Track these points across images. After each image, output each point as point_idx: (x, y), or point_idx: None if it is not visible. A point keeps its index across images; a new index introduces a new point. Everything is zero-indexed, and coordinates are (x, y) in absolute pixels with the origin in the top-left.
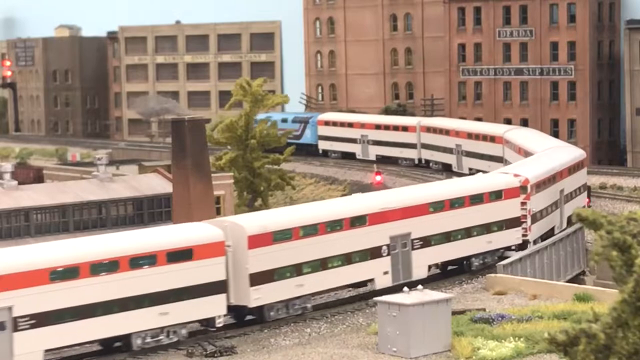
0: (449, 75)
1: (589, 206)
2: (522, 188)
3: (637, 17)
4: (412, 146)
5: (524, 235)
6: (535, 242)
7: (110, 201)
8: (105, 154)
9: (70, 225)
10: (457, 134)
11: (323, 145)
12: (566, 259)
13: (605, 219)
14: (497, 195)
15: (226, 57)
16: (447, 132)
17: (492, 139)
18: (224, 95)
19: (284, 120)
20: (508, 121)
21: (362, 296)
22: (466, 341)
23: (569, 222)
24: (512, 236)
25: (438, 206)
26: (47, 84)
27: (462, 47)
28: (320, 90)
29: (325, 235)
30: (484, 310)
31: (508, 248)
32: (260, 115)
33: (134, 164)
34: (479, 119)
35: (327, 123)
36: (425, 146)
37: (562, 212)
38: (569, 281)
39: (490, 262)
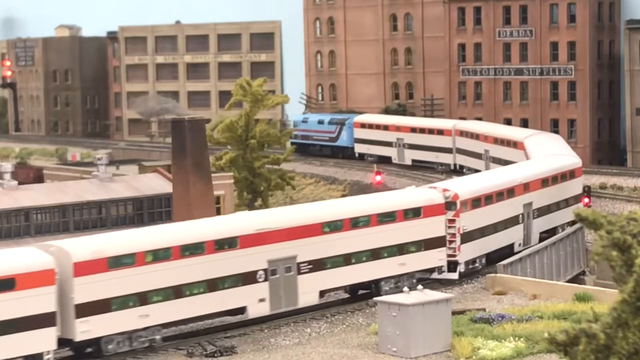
0: (449, 75)
1: (589, 206)
2: (450, 204)
3: (637, 17)
4: (447, 151)
5: (451, 256)
6: (474, 262)
7: (110, 201)
8: (105, 154)
9: (70, 225)
10: (486, 138)
11: (359, 148)
12: (566, 259)
13: (605, 219)
14: (414, 212)
15: (226, 57)
16: (477, 137)
17: (515, 144)
18: (224, 95)
19: (320, 122)
20: (508, 121)
21: (362, 296)
22: (466, 341)
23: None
24: (433, 257)
25: (334, 226)
26: (47, 84)
27: (462, 47)
28: (320, 90)
29: (180, 260)
30: (484, 310)
31: (430, 270)
32: (297, 117)
33: (134, 164)
34: (479, 119)
35: (363, 125)
36: (460, 151)
37: (528, 228)
38: (569, 281)
39: (408, 285)
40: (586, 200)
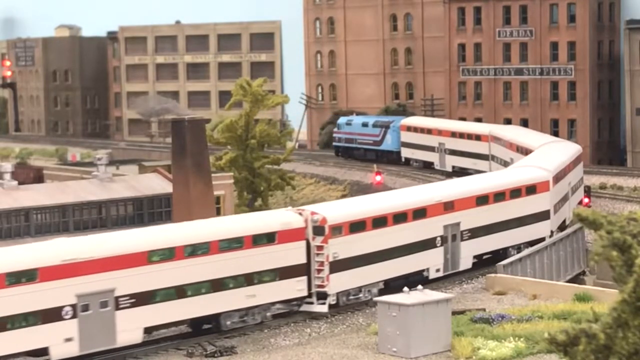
0: (449, 75)
1: (589, 206)
2: (318, 229)
3: (637, 17)
4: (484, 157)
5: (320, 287)
6: (355, 293)
7: (110, 201)
8: (105, 154)
9: (70, 225)
10: (510, 145)
11: (406, 153)
12: (566, 259)
13: (605, 219)
14: (267, 238)
15: (226, 57)
16: (504, 144)
17: (528, 152)
18: (224, 95)
19: (364, 125)
20: (508, 121)
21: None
22: (466, 341)
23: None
24: (291, 288)
25: (164, 254)
26: (47, 84)
27: (462, 47)
28: (320, 90)
29: None
30: (484, 310)
31: (290, 301)
32: (341, 119)
33: (134, 164)
34: (479, 119)
35: (409, 128)
36: (494, 158)
37: (453, 251)
38: (569, 281)
39: (259, 320)
40: (586, 200)
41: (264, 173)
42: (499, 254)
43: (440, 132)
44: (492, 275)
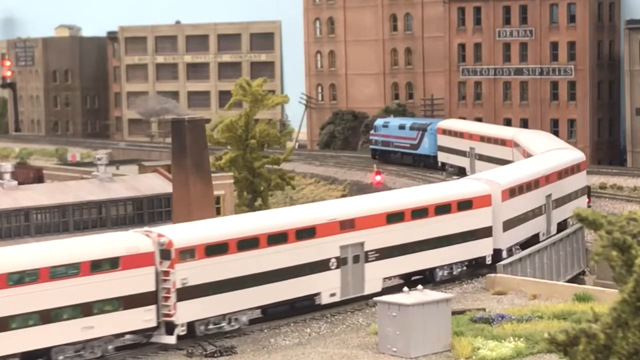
0: (449, 75)
1: (589, 206)
2: (165, 252)
3: (637, 17)
4: (508, 163)
5: (167, 316)
6: (216, 322)
7: (110, 201)
8: (105, 154)
9: (70, 225)
10: (523, 152)
11: (442, 157)
12: (566, 259)
13: (605, 219)
14: (110, 264)
15: (226, 57)
16: (521, 150)
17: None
18: (224, 95)
19: (401, 127)
20: (508, 121)
21: (362, 296)
22: (466, 341)
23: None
24: (136, 318)
25: None
26: (47, 84)
27: (462, 47)
28: (320, 90)
29: None
30: (484, 310)
31: (135, 332)
32: (378, 120)
33: (134, 164)
34: (479, 119)
35: (444, 132)
36: None
37: (356, 273)
38: (569, 281)
39: (98, 354)
40: (586, 200)
41: (264, 173)
42: (427, 274)
43: (471, 136)
44: (492, 275)
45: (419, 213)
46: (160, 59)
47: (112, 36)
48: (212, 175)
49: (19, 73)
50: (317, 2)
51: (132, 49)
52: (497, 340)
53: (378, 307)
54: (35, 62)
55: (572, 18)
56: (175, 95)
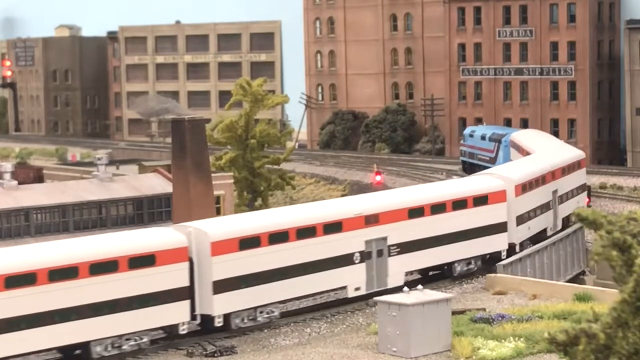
0: (449, 75)
1: (589, 206)
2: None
3: (637, 17)
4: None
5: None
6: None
7: (110, 201)
8: (105, 154)
9: (70, 225)
10: (523, 152)
11: None
12: (566, 259)
13: (605, 219)
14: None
15: (226, 57)
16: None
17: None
18: (224, 95)
19: (483, 137)
20: (508, 121)
21: (362, 296)
22: (466, 341)
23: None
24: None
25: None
26: (47, 84)
27: (462, 47)
28: (320, 90)
29: None
30: (484, 310)
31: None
32: (467, 129)
33: (134, 164)
34: (479, 119)
35: (513, 145)
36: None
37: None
38: (569, 281)
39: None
40: (586, 199)
41: (264, 173)
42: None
43: (527, 153)
44: (492, 275)
45: (438, 208)
46: (160, 59)
47: (112, 36)
48: (212, 175)
49: (19, 73)
50: (317, 2)
51: (132, 49)
52: (497, 340)
53: (378, 307)
54: (35, 62)
55: (572, 18)
56: (175, 95)
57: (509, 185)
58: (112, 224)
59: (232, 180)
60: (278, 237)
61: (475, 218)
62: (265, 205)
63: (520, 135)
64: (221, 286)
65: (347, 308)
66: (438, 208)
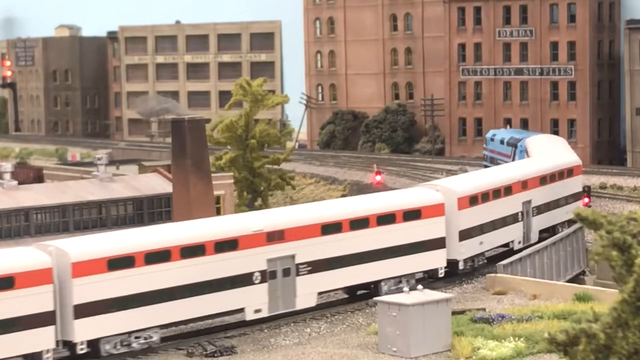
0: (449, 75)
1: (589, 206)
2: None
3: (637, 17)
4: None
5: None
6: None
7: (110, 201)
8: (105, 154)
9: (70, 225)
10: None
11: None
12: (566, 259)
13: (605, 219)
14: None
15: (226, 57)
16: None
17: None
18: (224, 95)
19: (502, 142)
20: (508, 121)
21: (362, 296)
22: (466, 341)
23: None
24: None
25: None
26: (47, 84)
27: (462, 47)
28: (320, 90)
29: None
30: (484, 310)
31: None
32: (489, 132)
33: (134, 164)
34: (479, 119)
35: (526, 151)
36: None
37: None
38: (569, 281)
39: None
40: (586, 200)
41: (264, 173)
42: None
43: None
44: (492, 275)
45: (359, 223)
46: (160, 59)
47: (112, 36)
48: (212, 175)
49: (19, 73)
50: (317, 2)
51: (132, 48)
52: (497, 340)
53: (378, 307)
54: (35, 62)
55: (572, 18)
56: (175, 95)
57: (449, 198)
58: (112, 224)
59: (232, 180)
60: (157, 256)
61: (405, 234)
62: (265, 205)
63: (532, 141)
64: (84, 310)
65: (347, 308)
66: (359, 223)
